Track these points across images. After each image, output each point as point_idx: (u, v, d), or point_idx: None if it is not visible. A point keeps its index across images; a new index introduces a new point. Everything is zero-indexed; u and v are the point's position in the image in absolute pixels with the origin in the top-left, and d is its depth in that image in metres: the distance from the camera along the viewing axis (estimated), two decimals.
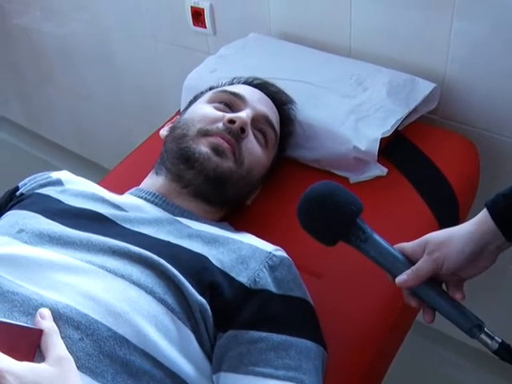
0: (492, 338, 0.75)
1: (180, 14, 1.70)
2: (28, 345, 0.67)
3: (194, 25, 1.69)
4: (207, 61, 1.41)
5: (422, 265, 0.76)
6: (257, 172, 1.06)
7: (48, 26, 2.28)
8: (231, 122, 1.01)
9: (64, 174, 1.08)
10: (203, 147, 0.99)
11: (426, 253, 0.77)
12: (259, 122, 1.07)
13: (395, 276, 0.78)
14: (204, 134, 1.00)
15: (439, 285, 0.79)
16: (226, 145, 0.99)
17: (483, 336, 0.75)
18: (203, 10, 1.64)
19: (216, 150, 0.98)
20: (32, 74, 2.56)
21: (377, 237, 0.80)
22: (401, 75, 1.25)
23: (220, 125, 1.01)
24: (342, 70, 1.27)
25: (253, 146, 1.04)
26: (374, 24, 1.33)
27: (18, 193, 1.06)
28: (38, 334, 0.68)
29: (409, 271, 0.77)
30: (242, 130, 1.01)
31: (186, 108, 1.15)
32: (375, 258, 0.80)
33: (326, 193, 0.81)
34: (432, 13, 1.23)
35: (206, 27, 1.67)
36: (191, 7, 1.66)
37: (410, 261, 0.79)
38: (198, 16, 1.66)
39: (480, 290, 1.23)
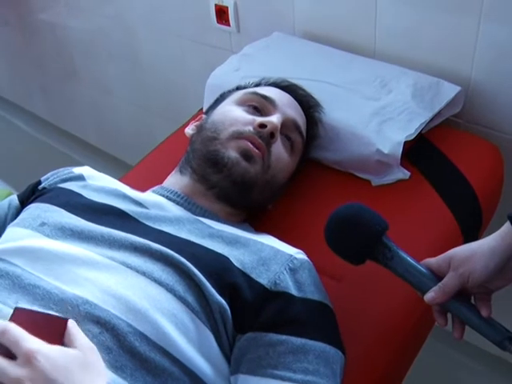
0: None
1: (204, 12, 1.70)
2: (54, 333, 0.67)
3: (218, 22, 1.69)
4: (231, 59, 1.41)
5: (449, 281, 0.77)
6: (281, 177, 1.06)
7: (73, 22, 2.30)
8: (262, 126, 1.00)
9: (86, 170, 1.09)
10: (232, 152, 0.98)
11: (451, 268, 0.78)
12: (287, 128, 1.06)
13: (423, 292, 0.79)
14: (236, 136, 0.99)
15: (467, 299, 0.79)
16: (255, 151, 0.98)
17: None
18: (227, 8, 1.64)
19: (245, 155, 0.98)
20: (56, 69, 2.58)
21: (403, 254, 0.82)
22: (426, 78, 1.24)
23: (250, 128, 1.00)
24: (367, 72, 1.27)
25: (280, 152, 1.03)
26: (399, 25, 1.32)
27: (40, 187, 1.06)
28: (64, 322, 0.68)
29: (436, 288, 0.77)
30: (272, 134, 1.01)
31: (213, 107, 1.14)
32: (402, 274, 0.81)
33: (351, 214, 0.84)
34: (459, 15, 1.22)
35: (229, 25, 1.67)
36: (215, 5, 1.66)
37: (437, 276, 0.79)
38: (222, 14, 1.66)
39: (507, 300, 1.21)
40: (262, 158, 0.99)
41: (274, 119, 1.01)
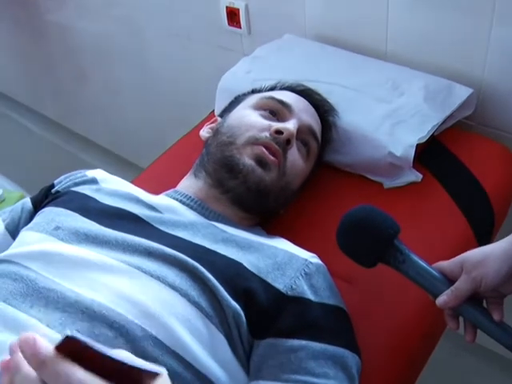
0: None
1: (215, 14, 1.70)
2: None
3: (229, 25, 1.69)
4: (242, 61, 1.41)
5: (461, 284, 0.77)
6: (296, 183, 1.06)
7: (82, 24, 2.30)
8: (278, 132, 1.00)
9: (99, 173, 1.09)
10: (247, 159, 0.98)
11: (463, 272, 0.77)
12: (303, 133, 1.06)
13: (435, 295, 0.79)
14: (252, 142, 0.99)
15: (480, 302, 0.79)
16: (271, 158, 0.98)
17: None
18: (238, 10, 1.64)
19: (260, 162, 0.98)
20: (66, 71, 2.59)
21: (415, 257, 0.81)
22: (437, 80, 1.24)
23: (267, 134, 1.00)
24: (378, 74, 1.26)
25: (295, 159, 1.03)
26: (410, 28, 1.32)
27: (53, 190, 1.06)
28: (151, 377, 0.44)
29: (448, 292, 0.77)
30: (288, 141, 1.00)
31: (228, 110, 1.13)
32: (414, 278, 0.81)
33: (363, 217, 0.84)
34: (470, 17, 1.21)
35: (240, 27, 1.67)
36: (226, 7, 1.66)
37: (449, 280, 0.79)
38: (233, 16, 1.66)
39: None
40: (277, 165, 0.99)
41: (291, 126, 1.01)
